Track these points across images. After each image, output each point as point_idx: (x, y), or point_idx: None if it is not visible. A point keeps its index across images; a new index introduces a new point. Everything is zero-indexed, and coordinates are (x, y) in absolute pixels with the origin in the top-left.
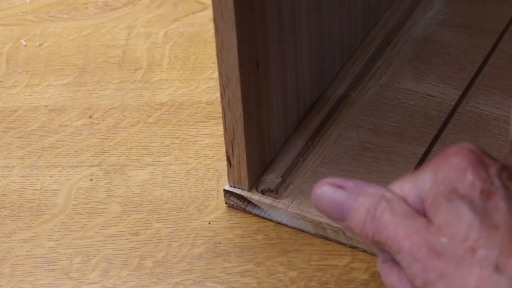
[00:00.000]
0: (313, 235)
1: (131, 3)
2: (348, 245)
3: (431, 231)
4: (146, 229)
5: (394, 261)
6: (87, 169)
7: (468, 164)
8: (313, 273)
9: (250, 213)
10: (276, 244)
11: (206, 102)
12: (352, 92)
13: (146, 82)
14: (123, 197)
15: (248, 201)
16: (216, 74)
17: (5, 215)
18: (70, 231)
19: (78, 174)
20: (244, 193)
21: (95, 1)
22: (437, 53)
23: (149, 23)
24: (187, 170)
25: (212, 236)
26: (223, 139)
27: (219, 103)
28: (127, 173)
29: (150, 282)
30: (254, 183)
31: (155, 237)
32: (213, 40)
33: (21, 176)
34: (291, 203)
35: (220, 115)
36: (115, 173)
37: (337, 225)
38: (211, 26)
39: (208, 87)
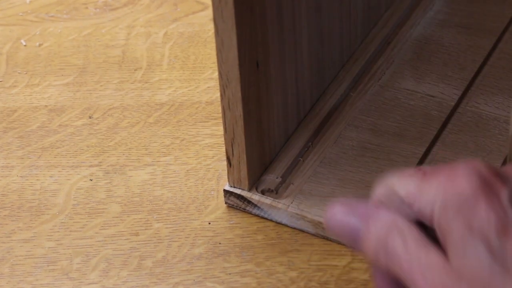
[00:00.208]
0: (313, 235)
1: (131, 3)
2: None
3: (449, 274)
4: (146, 229)
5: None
6: (87, 169)
7: (480, 193)
8: (313, 273)
9: (250, 213)
10: (276, 244)
11: (206, 102)
12: (352, 92)
13: (146, 82)
14: (123, 197)
15: (248, 201)
16: (216, 74)
17: (5, 215)
18: (70, 231)
19: (78, 174)
20: (244, 193)
21: (95, 1)
22: (437, 53)
23: (149, 23)
24: (187, 170)
25: (212, 236)
26: (223, 139)
27: (219, 103)
28: (127, 173)
29: (150, 282)
30: (254, 183)
31: (155, 237)
32: (213, 40)
33: (21, 176)
34: (291, 203)
35: (220, 115)
36: (115, 173)
37: None
38: (211, 26)
39: (208, 87)
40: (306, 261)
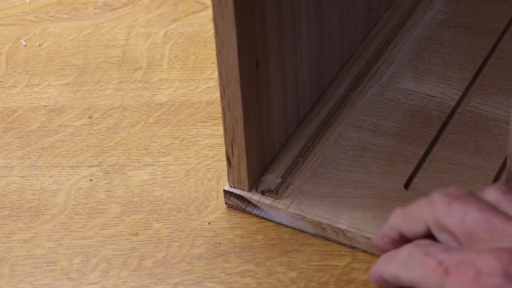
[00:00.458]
0: (313, 235)
1: (130, 3)
2: (348, 246)
3: None
4: (146, 230)
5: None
6: (86, 169)
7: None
8: (313, 274)
9: (250, 213)
10: (276, 245)
11: (206, 102)
12: (352, 92)
13: (146, 82)
14: (122, 198)
15: (248, 202)
16: (216, 74)
17: (4, 216)
18: (70, 231)
19: (78, 174)
20: (244, 194)
21: (95, 1)
22: (437, 53)
23: (149, 23)
24: (187, 170)
25: (212, 236)
26: (223, 139)
27: (219, 103)
28: (127, 173)
29: (150, 283)
30: (254, 184)
31: (155, 237)
32: (213, 40)
33: (20, 177)
34: (291, 203)
35: (220, 115)
36: (115, 173)
37: (337, 226)
38: (211, 26)
39: (208, 87)
40: (306, 261)
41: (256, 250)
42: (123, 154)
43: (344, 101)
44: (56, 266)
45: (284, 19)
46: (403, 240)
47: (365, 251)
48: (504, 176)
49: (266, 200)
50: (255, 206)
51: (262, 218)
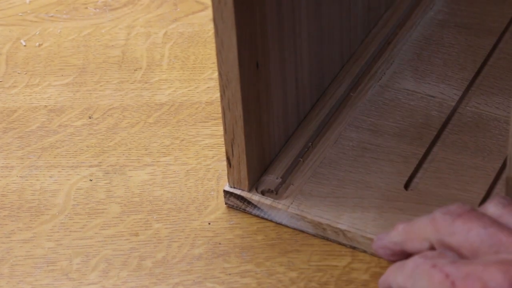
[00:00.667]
0: (313, 235)
1: (130, 3)
2: (348, 246)
3: None
4: (145, 230)
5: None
6: (86, 169)
7: None
8: (313, 274)
9: (250, 213)
10: (276, 245)
11: (206, 102)
12: (352, 92)
13: (146, 82)
14: (122, 198)
15: (248, 202)
16: (216, 74)
17: (4, 216)
18: (70, 231)
19: (78, 174)
20: (244, 194)
21: (95, 1)
22: (437, 53)
23: (149, 23)
24: (187, 171)
25: (212, 236)
26: (223, 139)
27: (219, 103)
28: (126, 174)
29: (150, 283)
30: (254, 184)
31: (154, 237)
32: (213, 40)
33: (20, 177)
34: (291, 203)
35: (220, 115)
36: (115, 173)
37: (337, 226)
38: (211, 26)
39: (208, 87)
40: (306, 261)
41: (256, 250)
42: (123, 154)
43: (344, 101)
44: (56, 266)
45: (284, 19)
46: (404, 254)
47: (365, 251)
48: (504, 176)
49: (266, 201)
50: (255, 206)
51: (262, 218)
